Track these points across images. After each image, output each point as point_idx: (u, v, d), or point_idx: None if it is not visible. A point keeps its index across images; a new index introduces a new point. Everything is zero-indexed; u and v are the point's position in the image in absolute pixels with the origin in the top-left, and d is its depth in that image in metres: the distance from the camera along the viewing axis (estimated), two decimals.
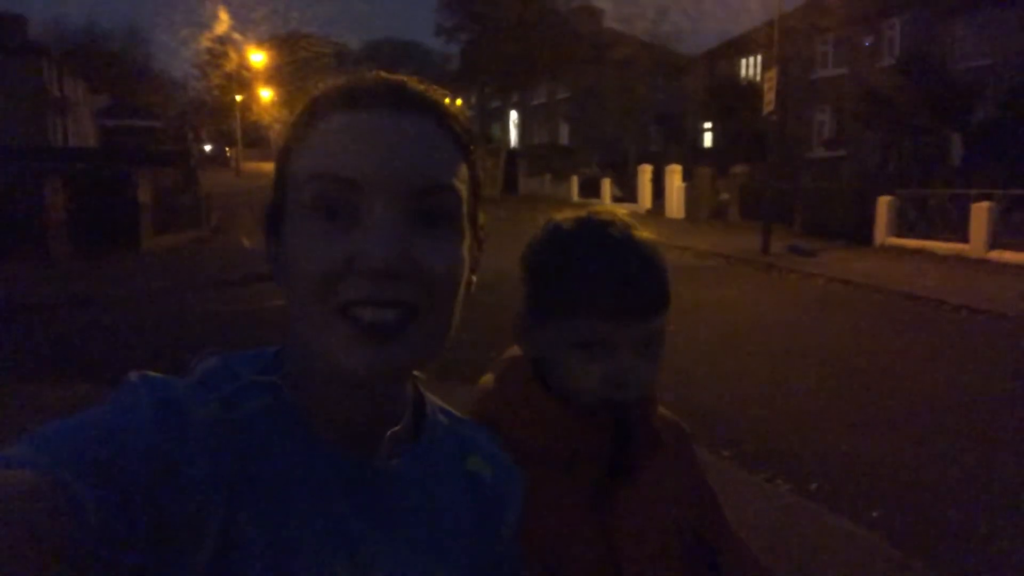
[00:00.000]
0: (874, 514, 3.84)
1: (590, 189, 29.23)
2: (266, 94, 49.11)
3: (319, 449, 0.62)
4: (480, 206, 0.68)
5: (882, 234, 15.98)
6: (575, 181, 31.23)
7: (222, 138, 60.18)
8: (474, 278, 0.67)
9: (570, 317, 0.90)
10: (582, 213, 0.97)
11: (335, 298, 0.57)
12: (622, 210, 0.99)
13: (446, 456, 0.73)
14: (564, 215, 0.98)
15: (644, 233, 0.94)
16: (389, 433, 0.65)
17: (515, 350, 1.01)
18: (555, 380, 0.94)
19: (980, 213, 13.63)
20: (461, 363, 1.80)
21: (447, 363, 0.75)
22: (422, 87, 0.64)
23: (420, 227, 0.59)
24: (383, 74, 0.65)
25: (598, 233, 0.92)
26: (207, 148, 57.69)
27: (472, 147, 0.66)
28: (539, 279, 0.94)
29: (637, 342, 0.89)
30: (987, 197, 13.82)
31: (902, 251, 15.00)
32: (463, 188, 0.63)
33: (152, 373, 0.60)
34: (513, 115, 45.18)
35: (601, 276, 0.88)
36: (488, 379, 1.01)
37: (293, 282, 0.59)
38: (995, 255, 13.23)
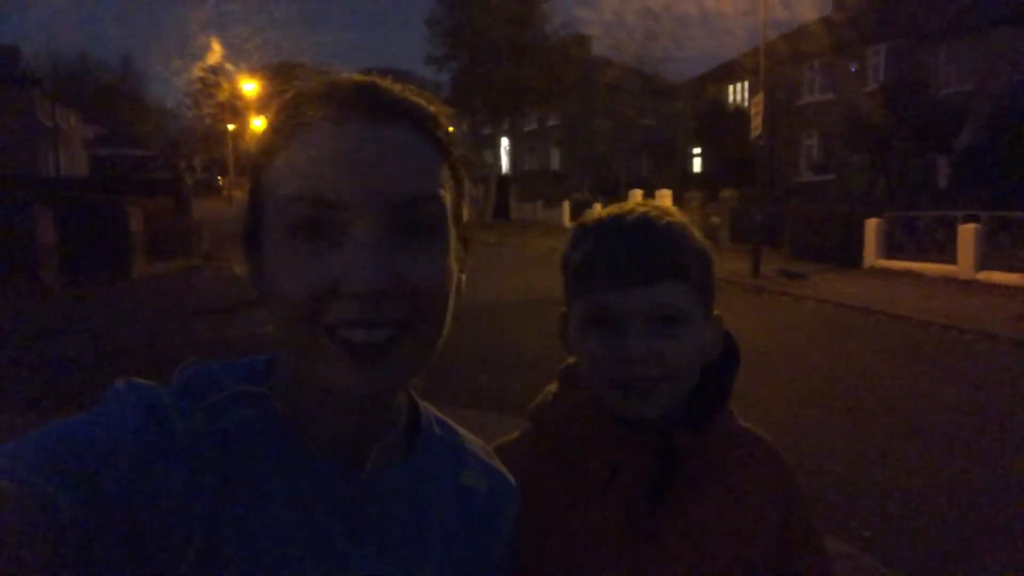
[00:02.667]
0: (865, 534, 3.83)
1: (582, 213, 29.31)
2: (258, 123, 49.31)
3: (305, 461, 0.61)
4: (464, 204, 0.66)
5: (871, 256, 16.09)
6: (567, 206, 31.39)
7: (214, 166, 60.28)
8: (463, 276, 0.66)
9: (581, 293, 0.90)
10: (613, 206, 0.97)
11: (322, 320, 0.55)
12: (654, 202, 0.97)
13: (440, 469, 0.71)
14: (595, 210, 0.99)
15: (671, 216, 0.92)
16: (378, 446, 0.64)
17: (571, 359, 0.99)
18: (583, 372, 0.92)
19: (967, 235, 13.76)
20: (452, 385, 1.81)
21: (436, 385, 0.75)
22: (397, 90, 0.62)
23: (404, 240, 0.57)
24: (356, 77, 0.62)
25: (608, 217, 0.93)
26: (199, 176, 57.73)
27: (453, 146, 0.63)
28: (562, 269, 0.95)
29: (645, 315, 0.85)
30: (974, 219, 13.95)
31: (891, 273, 15.10)
32: (446, 193, 0.61)
33: (139, 380, 0.59)
34: (504, 142, 45.45)
35: (603, 246, 0.89)
36: (551, 387, 0.99)
37: (277, 304, 0.57)
38: (983, 276, 13.33)
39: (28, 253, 13.90)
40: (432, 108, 0.63)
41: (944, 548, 3.75)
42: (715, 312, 0.94)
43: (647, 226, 0.89)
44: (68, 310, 11.76)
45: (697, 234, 0.93)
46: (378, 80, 0.62)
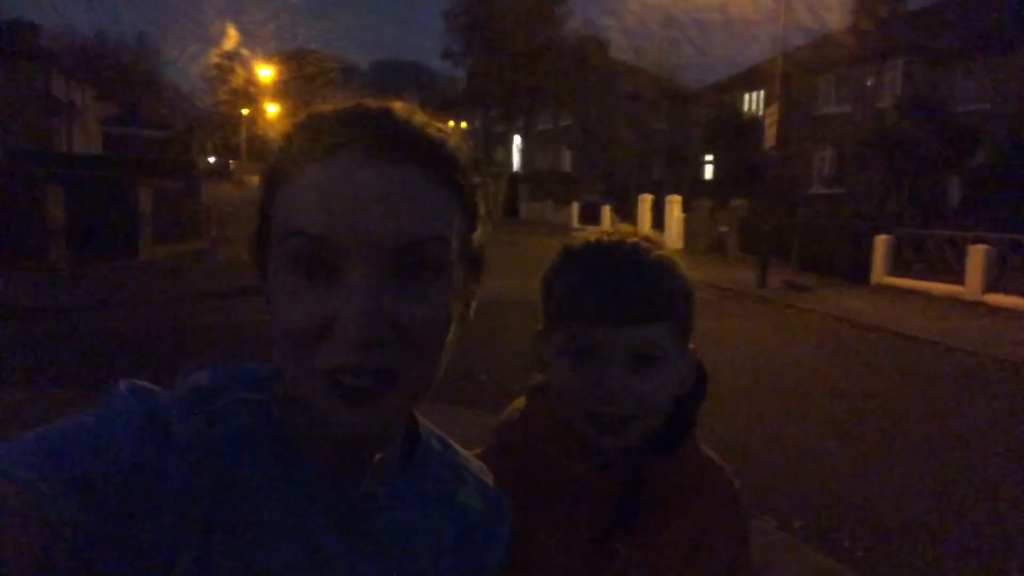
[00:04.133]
0: (859, 554, 3.82)
1: (590, 216, 29.38)
2: (272, 109, 49.47)
3: (303, 472, 0.61)
4: (481, 230, 0.65)
5: (879, 273, 16.04)
6: (576, 207, 31.40)
7: (227, 151, 60.44)
8: (470, 309, 0.65)
9: (561, 322, 0.89)
10: (598, 231, 0.96)
11: (315, 360, 0.55)
12: (647, 230, 0.96)
13: (436, 485, 0.71)
14: (582, 233, 0.97)
15: (661, 250, 0.91)
16: (376, 459, 0.64)
17: (540, 378, 0.98)
18: (556, 400, 0.91)
19: (977, 256, 13.70)
20: (453, 384, 1.81)
21: (438, 384, 0.75)
22: (415, 123, 0.60)
23: (403, 283, 0.56)
24: (373, 105, 0.61)
25: (598, 246, 0.91)
26: (211, 160, 57.91)
27: (468, 180, 0.62)
28: (544, 291, 0.94)
29: (627, 353, 0.85)
30: (984, 240, 13.89)
31: (898, 291, 15.04)
32: (451, 233, 0.59)
33: (140, 383, 0.59)
34: (517, 140, 45.48)
35: (587, 279, 0.87)
36: (518, 403, 0.99)
37: (274, 330, 0.58)
38: (990, 298, 13.27)
39: (36, 231, 13.96)
40: (451, 143, 0.61)
41: (939, 569, 3.73)
42: (690, 346, 0.94)
43: (637, 263, 0.88)
44: (74, 289, 11.80)
45: (683, 269, 0.92)
46: (394, 108, 0.61)
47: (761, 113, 27.05)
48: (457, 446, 0.78)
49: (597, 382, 0.85)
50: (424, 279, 0.57)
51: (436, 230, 0.58)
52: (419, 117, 0.61)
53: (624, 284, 0.86)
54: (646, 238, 0.92)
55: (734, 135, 27.90)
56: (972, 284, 13.69)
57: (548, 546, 0.89)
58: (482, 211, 0.65)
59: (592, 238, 0.93)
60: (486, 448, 0.99)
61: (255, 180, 0.64)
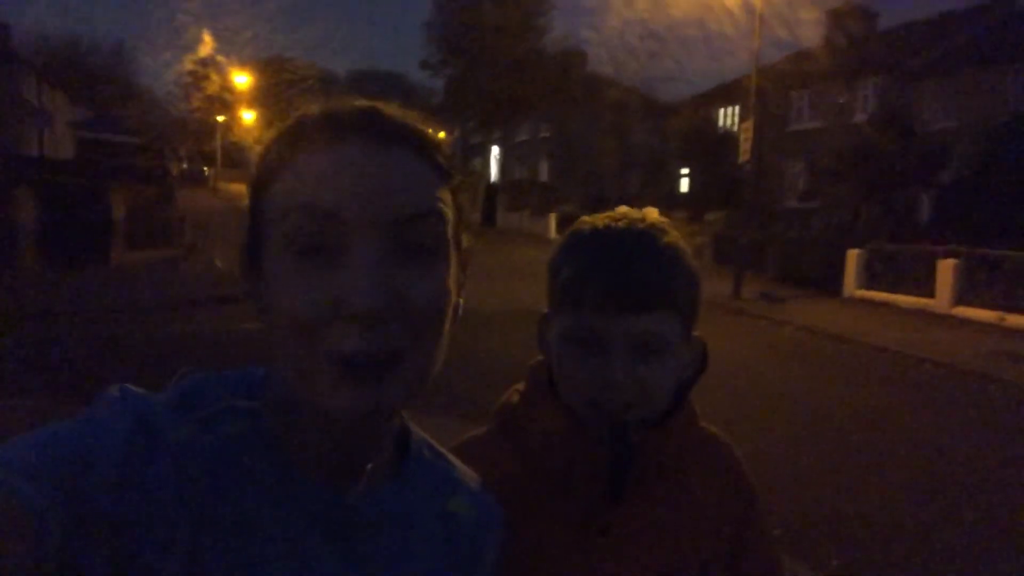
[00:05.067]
0: (834, 563, 3.85)
1: (568, 226, 29.26)
2: (248, 116, 49.10)
3: (294, 480, 0.60)
4: (464, 229, 0.66)
5: (851, 286, 16.27)
6: (553, 217, 31.47)
7: (202, 158, 59.88)
8: (461, 301, 0.66)
9: (566, 309, 0.88)
10: (610, 214, 0.94)
11: (321, 343, 0.55)
12: (654, 214, 0.95)
13: (427, 493, 0.71)
14: (589, 218, 0.96)
15: (668, 237, 0.90)
16: (368, 467, 0.64)
17: (540, 357, 0.99)
18: (559, 385, 0.91)
19: (946, 270, 13.95)
20: (429, 392, 1.79)
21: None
22: (399, 115, 0.62)
23: (405, 259, 0.57)
24: (359, 102, 0.62)
25: (606, 231, 0.90)
26: (185, 167, 57.30)
27: (454, 174, 0.63)
28: (550, 275, 0.93)
29: (631, 342, 0.85)
30: (953, 254, 14.15)
31: (869, 303, 15.27)
32: (448, 211, 0.61)
33: (132, 388, 0.59)
34: (495, 150, 45.59)
35: (592, 267, 0.87)
36: (517, 385, 1.00)
37: (276, 321, 0.57)
38: (959, 311, 13.51)
39: (7, 235, 13.72)
40: (435, 136, 0.63)
41: None
42: (695, 333, 0.94)
43: (643, 251, 0.87)
44: (45, 295, 11.60)
45: (689, 256, 0.91)
46: (380, 105, 0.62)
47: (736, 127, 27.38)
48: (449, 455, 0.78)
49: (600, 370, 0.85)
50: (426, 257, 0.58)
51: (432, 205, 0.59)
52: (402, 112, 0.63)
53: (629, 272, 0.85)
54: (653, 224, 0.91)
55: (710, 149, 28.18)
56: (942, 297, 13.94)
57: (543, 522, 0.89)
58: (465, 213, 0.66)
59: (600, 223, 0.92)
60: (486, 430, 0.99)
61: (230, 187, 0.64)
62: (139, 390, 0.59)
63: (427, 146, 0.61)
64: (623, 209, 0.95)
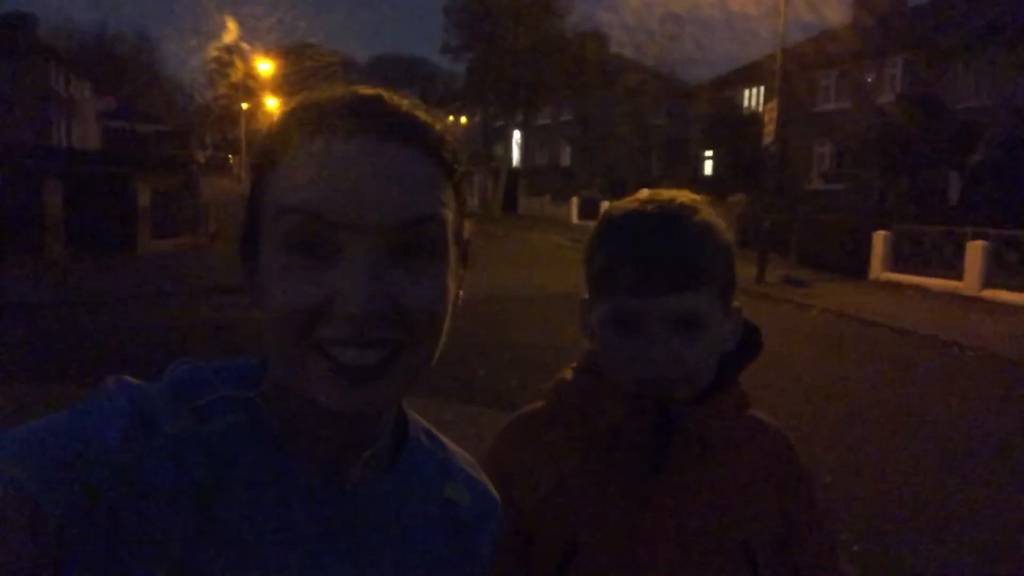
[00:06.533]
0: (855, 548, 3.83)
1: (589, 211, 29.36)
2: (272, 103, 49.33)
3: (290, 469, 0.60)
4: (465, 219, 0.65)
5: (877, 268, 16.05)
6: (575, 202, 31.36)
7: (227, 145, 60.31)
8: (461, 292, 0.65)
9: (605, 294, 0.92)
10: (640, 196, 0.96)
11: (313, 338, 0.55)
12: (687, 194, 0.96)
13: (424, 481, 0.71)
14: (624, 200, 0.98)
15: (697, 215, 0.91)
16: (365, 456, 0.63)
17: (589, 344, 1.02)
18: (604, 366, 0.95)
19: (975, 252, 13.71)
20: (448, 378, 1.80)
21: (432, 378, 0.74)
22: (403, 107, 0.60)
23: (402, 261, 0.56)
24: (365, 90, 0.60)
25: (638, 215, 0.92)
26: (210, 154, 57.78)
27: (457, 166, 0.62)
28: (586, 262, 0.96)
29: (668, 320, 0.87)
30: (982, 236, 13.90)
31: (896, 286, 15.06)
32: (448, 213, 0.59)
33: (129, 379, 0.59)
34: (516, 135, 45.43)
35: (625, 251, 0.89)
36: (568, 370, 1.03)
37: (269, 315, 0.57)
38: (988, 294, 13.29)
39: (35, 225, 13.94)
40: (439, 126, 0.62)
41: (934, 564, 3.74)
42: (735, 304, 0.96)
43: (675, 231, 0.89)
44: (72, 284, 11.80)
45: (722, 230, 0.93)
46: (385, 95, 0.60)
47: (761, 109, 27.03)
48: (446, 440, 0.78)
49: (641, 350, 0.88)
50: (423, 258, 0.57)
51: (434, 209, 0.58)
52: (408, 102, 0.61)
53: (663, 253, 0.87)
54: (683, 204, 0.93)
55: (734, 131, 27.84)
56: (970, 280, 13.70)
57: (587, 491, 0.93)
58: (467, 204, 0.66)
59: (632, 206, 0.94)
60: (542, 404, 1.04)
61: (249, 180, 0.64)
62: (135, 381, 0.59)
63: (432, 141, 0.60)
64: (645, 193, 0.96)
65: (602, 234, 0.94)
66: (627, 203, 0.95)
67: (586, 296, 0.98)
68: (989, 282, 13.49)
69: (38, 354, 7.32)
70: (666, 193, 0.95)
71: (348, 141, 0.56)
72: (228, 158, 56.72)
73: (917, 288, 14.65)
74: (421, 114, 0.61)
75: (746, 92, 33.52)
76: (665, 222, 0.89)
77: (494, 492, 0.79)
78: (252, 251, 0.60)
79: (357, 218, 0.54)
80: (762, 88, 30.78)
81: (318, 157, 0.56)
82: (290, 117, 0.60)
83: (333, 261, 0.55)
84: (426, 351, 0.59)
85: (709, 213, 0.93)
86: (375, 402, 0.57)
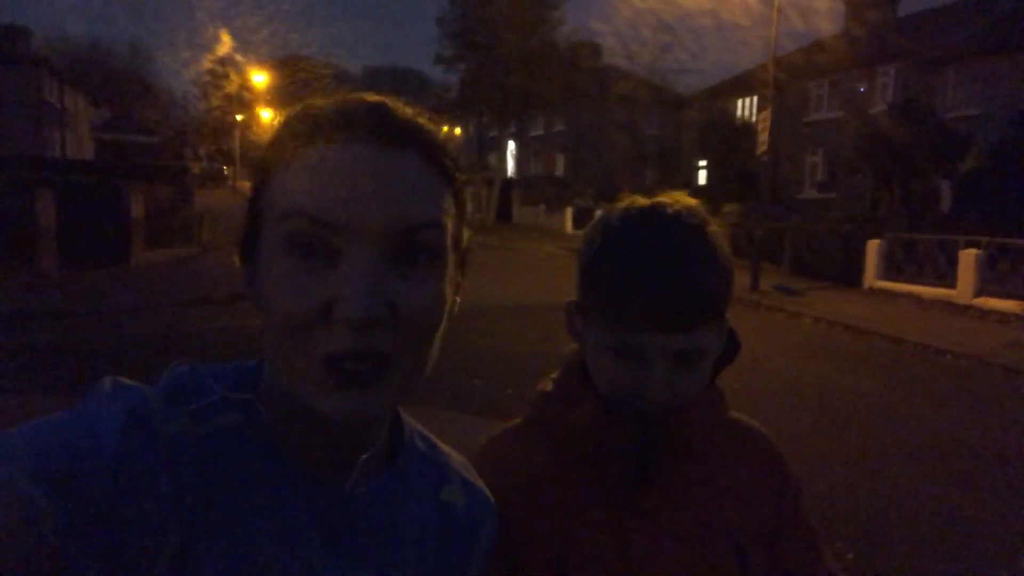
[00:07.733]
0: (849, 556, 3.83)
1: (584, 221, 29.38)
2: (266, 114, 49.34)
3: (287, 472, 0.61)
4: (465, 226, 0.65)
5: (870, 277, 16.10)
6: (569, 212, 31.40)
7: (221, 157, 60.29)
8: (457, 299, 0.65)
9: (604, 321, 0.87)
10: (638, 203, 0.91)
11: (311, 344, 0.55)
12: (687, 199, 0.91)
13: (420, 484, 0.71)
14: (620, 204, 0.92)
15: (706, 236, 0.87)
16: (362, 459, 0.64)
17: (575, 345, 0.99)
18: (593, 377, 0.93)
19: (967, 260, 13.77)
20: (443, 387, 1.80)
21: (427, 387, 0.75)
22: (407, 114, 0.61)
23: (400, 266, 0.56)
24: (366, 97, 0.61)
25: (639, 232, 0.86)
26: (204, 165, 57.75)
27: (458, 174, 0.63)
28: (582, 277, 0.91)
29: (674, 353, 0.84)
30: (975, 244, 13.97)
31: (889, 294, 15.11)
32: (448, 219, 0.60)
33: (125, 380, 0.59)
34: (510, 145, 45.53)
35: (631, 284, 0.83)
36: (552, 374, 1.01)
37: (268, 317, 0.57)
38: (980, 302, 13.34)
39: (27, 236, 13.89)
40: (440, 134, 0.62)
41: (926, 574, 3.74)
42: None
43: (684, 264, 0.83)
44: (65, 295, 11.75)
45: (725, 247, 0.90)
46: (388, 102, 0.61)
47: (754, 119, 27.17)
48: (442, 444, 0.78)
49: (637, 379, 0.86)
50: (421, 264, 0.58)
51: (433, 216, 0.58)
52: (410, 109, 0.62)
53: (671, 293, 0.82)
54: (689, 226, 0.87)
55: (727, 140, 27.96)
56: (963, 288, 13.76)
57: (575, 506, 0.91)
58: (468, 211, 0.66)
59: (632, 211, 0.89)
60: (521, 420, 1.01)
61: (249, 186, 0.64)
62: (131, 383, 0.59)
63: (434, 148, 0.60)
64: (645, 200, 0.91)
65: (602, 245, 0.89)
66: (626, 209, 0.90)
67: (574, 300, 0.94)
68: (982, 290, 13.54)
69: (34, 366, 7.28)
70: (667, 201, 0.90)
71: (351, 146, 0.57)
72: (222, 170, 56.70)
73: (910, 296, 14.70)
74: (423, 121, 0.62)
75: (739, 102, 33.69)
76: (673, 251, 0.84)
77: (489, 495, 0.79)
78: (252, 255, 0.61)
79: (358, 222, 0.55)
80: (755, 98, 30.95)
81: (321, 162, 0.56)
82: (294, 122, 0.60)
83: (333, 265, 0.55)
84: (421, 357, 0.59)
85: (713, 228, 0.89)
86: (368, 410, 0.57)
